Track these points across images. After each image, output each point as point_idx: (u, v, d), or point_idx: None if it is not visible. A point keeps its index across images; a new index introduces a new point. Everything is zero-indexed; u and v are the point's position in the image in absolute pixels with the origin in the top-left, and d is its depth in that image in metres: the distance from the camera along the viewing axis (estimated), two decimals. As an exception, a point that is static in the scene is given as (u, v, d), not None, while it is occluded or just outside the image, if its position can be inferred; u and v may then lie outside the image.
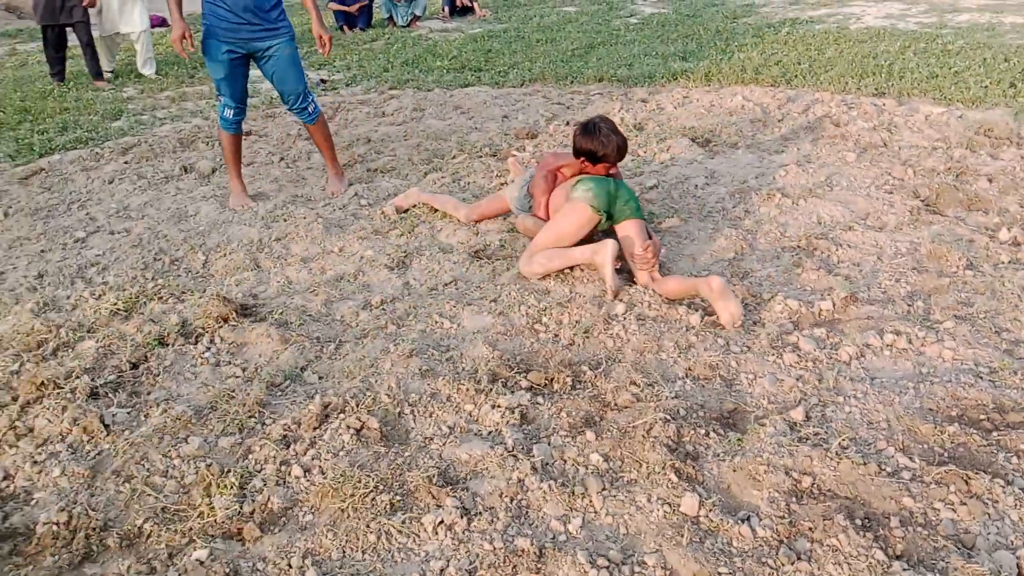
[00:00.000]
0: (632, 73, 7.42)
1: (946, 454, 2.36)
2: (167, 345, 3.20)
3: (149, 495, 2.38)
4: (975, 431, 2.43)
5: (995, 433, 2.41)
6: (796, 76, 6.94)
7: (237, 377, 2.99)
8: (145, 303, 3.56)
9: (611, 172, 3.75)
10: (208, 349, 3.19)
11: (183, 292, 3.67)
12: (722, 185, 4.64)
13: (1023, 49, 7.29)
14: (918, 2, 10.54)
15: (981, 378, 2.71)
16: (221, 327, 3.31)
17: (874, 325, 3.07)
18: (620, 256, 3.54)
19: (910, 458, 2.34)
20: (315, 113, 4.70)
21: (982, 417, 2.50)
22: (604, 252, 3.39)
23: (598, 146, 3.60)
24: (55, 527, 2.24)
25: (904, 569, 1.95)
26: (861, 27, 9.12)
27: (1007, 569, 1.96)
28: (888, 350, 2.92)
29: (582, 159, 3.71)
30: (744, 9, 11.17)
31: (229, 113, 4.55)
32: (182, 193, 5.01)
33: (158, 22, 12.51)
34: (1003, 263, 3.48)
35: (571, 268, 3.62)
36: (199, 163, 5.46)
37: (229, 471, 2.46)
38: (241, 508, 2.31)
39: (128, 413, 2.77)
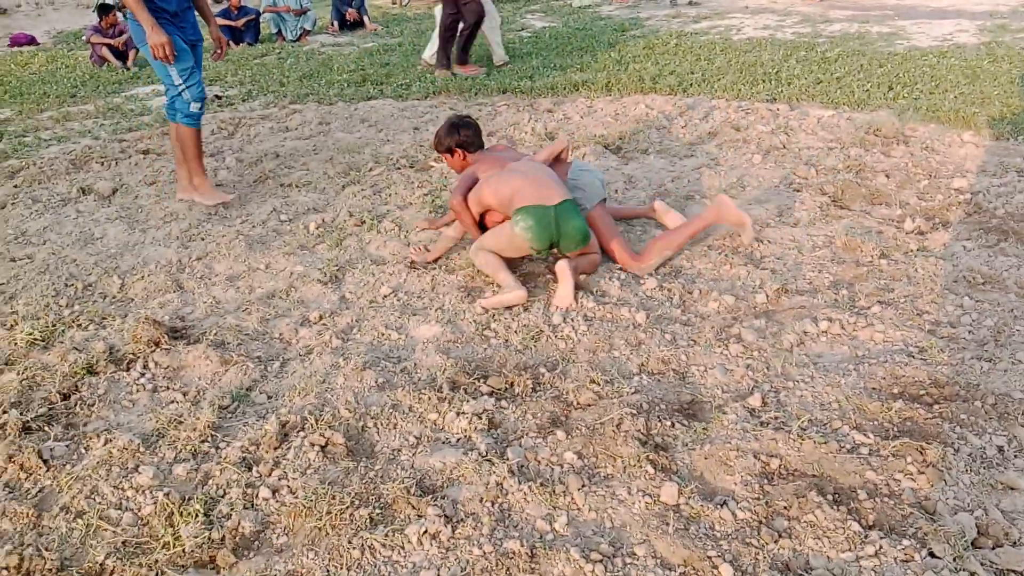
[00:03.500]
0: (535, 85, 7.53)
1: (896, 428, 2.51)
2: (97, 373, 3.01)
3: (106, 530, 2.23)
4: (918, 406, 2.59)
5: (936, 406, 2.58)
6: (692, 84, 7.22)
7: (180, 402, 2.85)
8: (64, 331, 3.34)
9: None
10: (143, 375, 3.02)
11: (103, 318, 3.47)
12: (640, 189, 4.78)
13: (894, 55, 7.85)
14: (791, 14, 11.18)
15: (913, 357, 2.89)
16: (153, 351, 3.14)
17: (807, 313, 3.22)
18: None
19: (865, 434, 2.47)
20: None
21: (922, 392, 2.67)
22: (509, 299, 3.38)
23: (465, 134, 3.88)
24: (6, 572, 2.07)
25: (881, 537, 2.06)
26: (743, 38, 9.58)
27: (969, 528, 2.10)
28: (824, 336, 3.08)
29: (461, 156, 3.93)
30: (631, 22, 11.54)
31: (197, 106, 4.52)
32: (83, 215, 4.73)
33: (26, 40, 11.81)
34: (913, 251, 3.73)
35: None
36: (97, 184, 5.17)
37: (190, 498, 2.33)
38: (210, 535, 2.20)
39: (67, 446, 2.59)
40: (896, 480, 2.28)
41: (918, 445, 2.36)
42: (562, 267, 3.44)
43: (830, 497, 2.22)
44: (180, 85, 4.42)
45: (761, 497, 2.25)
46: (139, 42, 4.36)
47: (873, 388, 2.73)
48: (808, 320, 3.15)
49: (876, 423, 2.54)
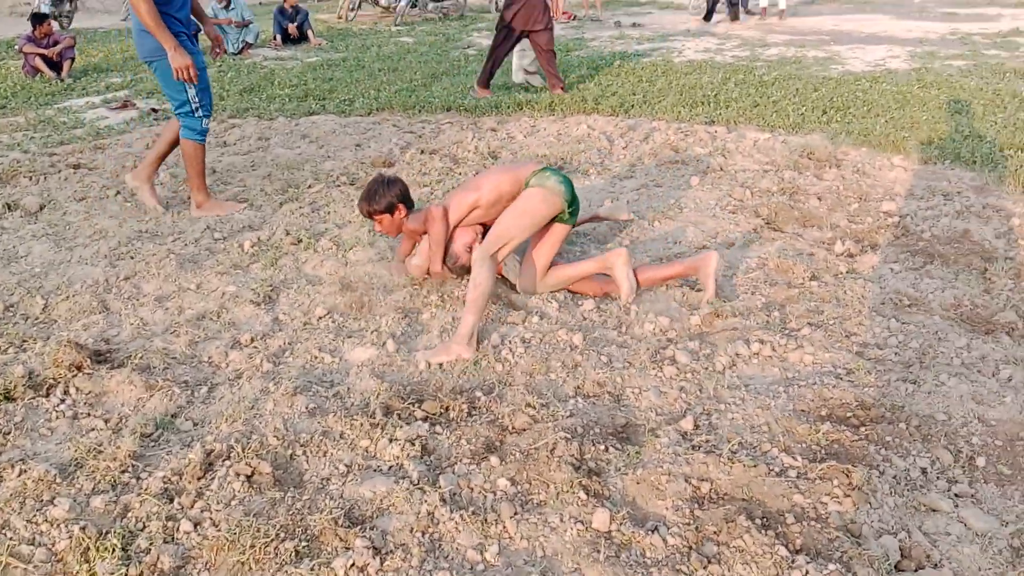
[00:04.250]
0: (479, 103, 7.54)
1: (823, 451, 2.54)
2: (14, 400, 2.89)
3: (16, 567, 2.13)
4: (845, 428, 2.63)
5: (863, 428, 2.63)
6: (633, 106, 7.32)
7: (100, 430, 2.74)
8: (-20, 355, 3.20)
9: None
10: (63, 401, 2.90)
11: (24, 340, 3.33)
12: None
13: (828, 80, 8.08)
14: (731, 37, 11.43)
15: (841, 379, 2.95)
16: (75, 376, 3.03)
17: (740, 335, 3.26)
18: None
19: (793, 457, 2.50)
20: None
21: (848, 415, 2.72)
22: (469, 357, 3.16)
23: (401, 187, 3.62)
24: (-98, 616, 1.96)
25: (807, 562, 2.08)
26: (684, 60, 9.77)
27: (892, 551, 2.13)
28: (756, 358, 3.12)
29: (402, 212, 3.63)
30: (575, 43, 11.66)
31: (208, 123, 4.60)
32: (8, 232, 4.56)
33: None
34: (842, 273, 3.81)
35: (450, 293, 3.62)
36: (24, 199, 4.99)
37: (108, 532, 2.24)
38: (127, 571, 2.11)
39: (-23, 478, 2.47)
40: (823, 503, 2.31)
41: (844, 468, 2.40)
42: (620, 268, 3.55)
43: (759, 521, 2.23)
44: (195, 102, 4.46)
45: (691, 522, 2.25)
46: (147, 55, 4.38)
47: (802, 410, 2.77)
48: (740, 342, 3.18)
49: (804, 445, 2.57)
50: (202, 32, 4.98)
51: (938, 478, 2.43)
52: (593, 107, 7.33)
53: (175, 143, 4.76)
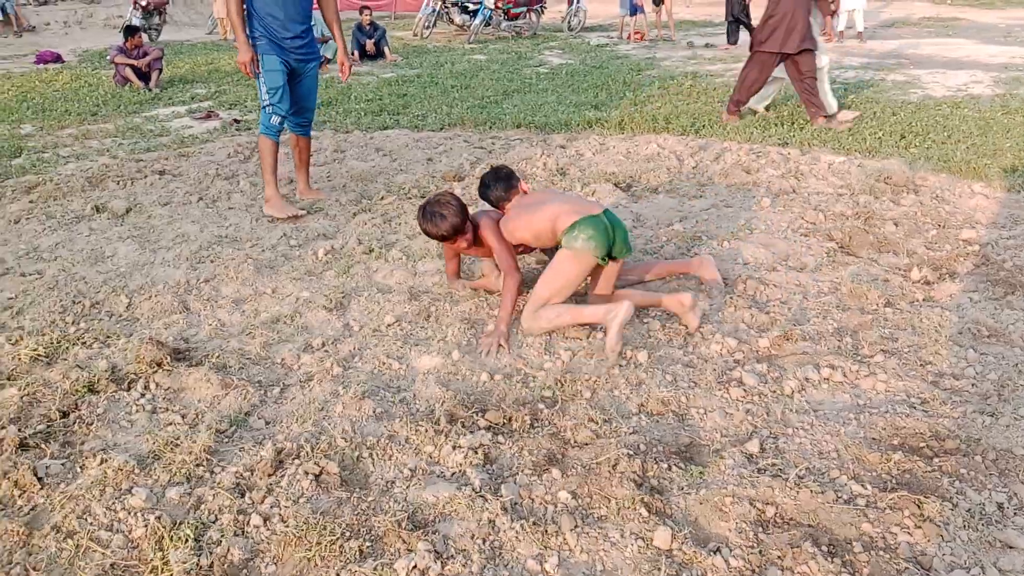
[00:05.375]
0: (549, 120, 7.60)
1: (894, 480, 2.48)
2: (98, 392, 3.02)
3: (95, 551, 2.22)
4: (918, 458, 2.56)
5: (936, 459, 2.56)
6: (704, 126, 7.28)
7: (178, 424, 2.85)
8: (68, 348, 3.36)
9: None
10: (143, 395, 3.03)
11: (108, 336, 3.49)
12: (648, 228, 4.79)
13: (907, 104, 7.89)
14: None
15: (915, 408, 2.87)
16: (155, 372, 3.15)
17: (810, 360, 3.21)
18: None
19: (863, 485, 2.44)
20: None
21: (922, 445, 2.65)
22: (618, 313, 3.25)
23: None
24: (-9, 591, 2.06)
25: (874, 592, 2.03)
26: (758, 81, 9.64)
27: (965, 588, 2.07)
28: (826, 383, 3.06)
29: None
30: (647, 62, 11.66)
31: (277, 120, 4.97)
32: (96, 233, 4.78)
33: (51, 58, 12.04)
34: (918, 301, 3.72)
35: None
36: (112, 202, 5.23)
37: (181, 523, 2.33)
38: (199, 561, 2.19)
39: (63, 465, 2.59)
40: (892, 533, 2.25)
41: (916, 498, 2.33)
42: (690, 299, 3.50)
43: (825, 548, 2.19)
44: (266, 100, 4.92)
45: (755, 545, 2.22)
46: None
47: (873, 438, 2.71)
48: (810, 366, 3.13)
49: (874, 474, 2.51)
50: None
51: (1015, 514, 2.35)
52: (664, 126, 7.31)
53: (297, 146, 5.33)
